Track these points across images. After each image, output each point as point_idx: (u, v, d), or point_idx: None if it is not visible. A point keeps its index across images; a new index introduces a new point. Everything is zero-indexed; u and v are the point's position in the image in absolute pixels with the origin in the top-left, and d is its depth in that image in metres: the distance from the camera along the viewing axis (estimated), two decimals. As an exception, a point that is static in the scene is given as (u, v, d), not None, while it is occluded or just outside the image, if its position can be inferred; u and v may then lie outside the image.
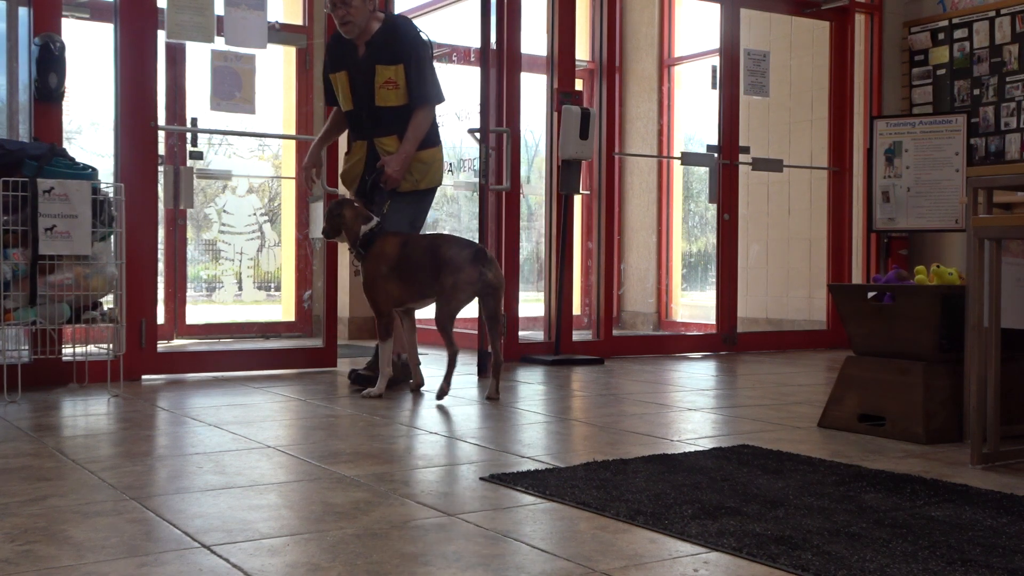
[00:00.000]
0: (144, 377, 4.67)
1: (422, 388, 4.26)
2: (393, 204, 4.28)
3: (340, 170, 4.58)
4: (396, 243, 4.07)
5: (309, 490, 2.44)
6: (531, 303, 6.93)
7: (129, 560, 1.85)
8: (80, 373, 4.39)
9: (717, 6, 6.46)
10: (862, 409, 3.35)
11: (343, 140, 4.78)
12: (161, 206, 5.14)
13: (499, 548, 1.96)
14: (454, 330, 3.98)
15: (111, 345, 4.25)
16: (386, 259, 4.05)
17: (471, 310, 4.47)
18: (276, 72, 7.14)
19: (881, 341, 3.35)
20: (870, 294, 3.39)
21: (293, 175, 7.02)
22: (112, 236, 4.14)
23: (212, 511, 2.22)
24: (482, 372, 4.93)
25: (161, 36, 4.74)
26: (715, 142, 6.44)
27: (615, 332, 6.51)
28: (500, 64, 5.67)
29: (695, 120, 8.20)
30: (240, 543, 1.97)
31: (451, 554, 1.92)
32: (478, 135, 5.23)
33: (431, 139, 4.38)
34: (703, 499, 2.33)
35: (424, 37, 4.40)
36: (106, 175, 4.55)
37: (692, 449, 2.99)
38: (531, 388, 4.51)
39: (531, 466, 2.73)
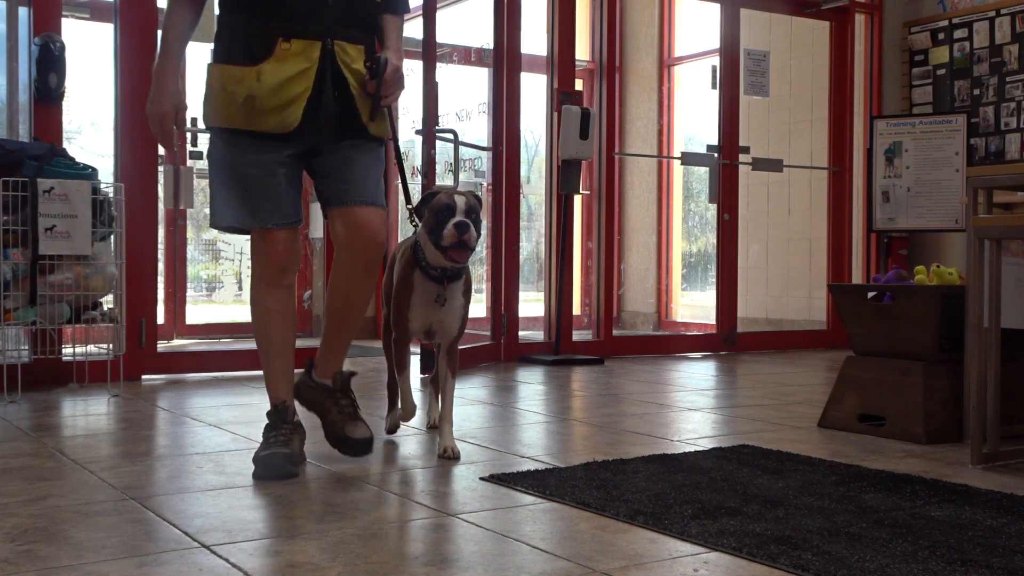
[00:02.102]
0: (144, 377, 4.67)
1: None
2: (359, 153, 2.75)
3: (232, 92, 2.62)
4: None
5: (309, 490, 2.44)
6: (531, 303, 6.93)
7: (129, 560, 1.85)
8: (80, 373, 4.39)
9: (717, 6, 6.46)
10: (862, 409, 3.35)
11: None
12: (161, 206, 5.14)
13: (499, 548, 1.96)
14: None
15: (111, 345, 4.25)
16: None
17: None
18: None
19: (881, 341, 3.35)
20: (870, 294, 3.39)
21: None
22: (112, 236, 4.15)
23: (212, 511, 2.22)
24: (428, 369, 4.71)
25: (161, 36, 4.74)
26: (715, 142, 6.44)
27: (615, 332, 6.51)
28: (500, 64, 5.67)
29: (695, 120, 8.20)
30: (240, 543, 1.97)
31: (451, 554, 1.92)
32: (451, 135, 5.21)
33: None
34: (703, 499, 2.33)
35: None
36: (106, 175, 4.56)
37: (692, 449, 2.99)
38: (531, 388, 4.51)
39: (531, 466, 2.73)
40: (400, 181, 2.90)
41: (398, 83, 2.68)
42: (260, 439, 2.67)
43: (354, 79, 2.67)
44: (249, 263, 2.81)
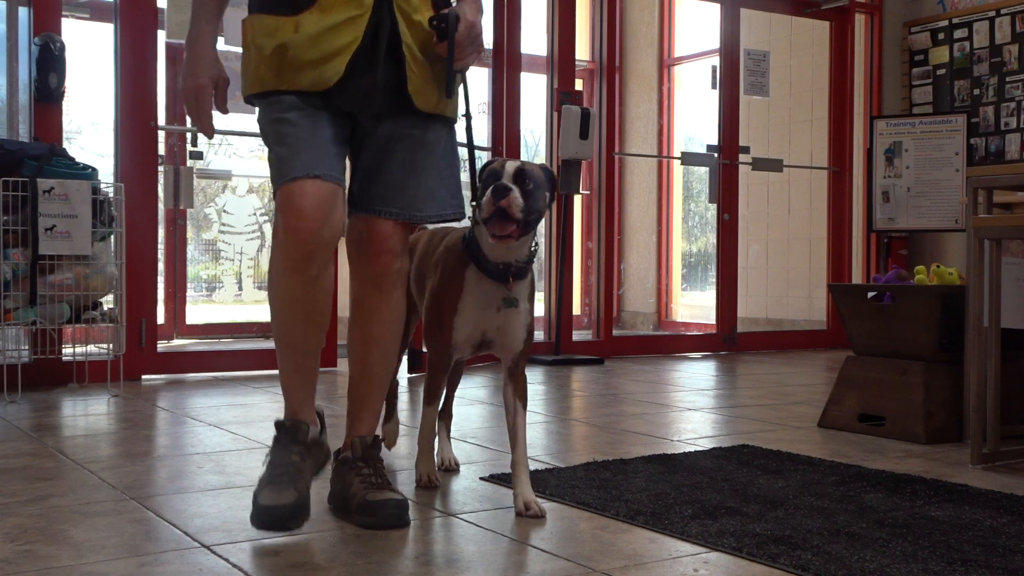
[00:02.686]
0: (144, 377, 4.67)
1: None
2: (406, 144, 2.17)
3: (261, 45, 2.09)
4: None
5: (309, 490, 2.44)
6: (531, 303, 6.92)
7: (129, 560, 1.85)
8: (80, 373, 4.39)
9: (717, 6, 6.46)
10: (862, 409, 3.35)
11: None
12: (161, 206, 5.14)
13: (499, 548, 1.96)
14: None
15: (111, 345, 4.25)
16: None
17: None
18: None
19: (881, 341, 3.35)
20: (870, 294, 3.39)
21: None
22: (112, 236, 4.15)
23: (212, 511, 2.22)
24: (416, 367, 4.70)
25: (161, 36, 4.75)
26: (715, 142, 6.44)
27: (615, 332, 6.50)
28: (500, 64, 5.67)
29: (695, 120, 8.20)
30: (240, 543, 1.97)
31: (451, 554, 1.92)
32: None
33: None
34: (703, 499, 2.33)
35: None
36: (106, 175, 4.56)
37: (692, 449, 2.99)
38: (531, 388, 4.51)
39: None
40: (471, 173, 2.24)
41: (474, 43, 2.14)
42: (260, 439, 2.65)
43: (412, 35, 2.10)
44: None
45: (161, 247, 5.78)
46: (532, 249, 2.25)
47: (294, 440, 2.14)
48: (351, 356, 2.25)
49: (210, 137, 2.19)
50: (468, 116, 2.24)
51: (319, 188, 2.01)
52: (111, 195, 4.13)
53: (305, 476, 2.10)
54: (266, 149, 2.12)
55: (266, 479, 2.05)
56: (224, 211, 7.99)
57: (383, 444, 2.52)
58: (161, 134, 4.79)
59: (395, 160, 2.15)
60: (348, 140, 2.16)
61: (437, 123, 2.18)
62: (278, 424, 2.17)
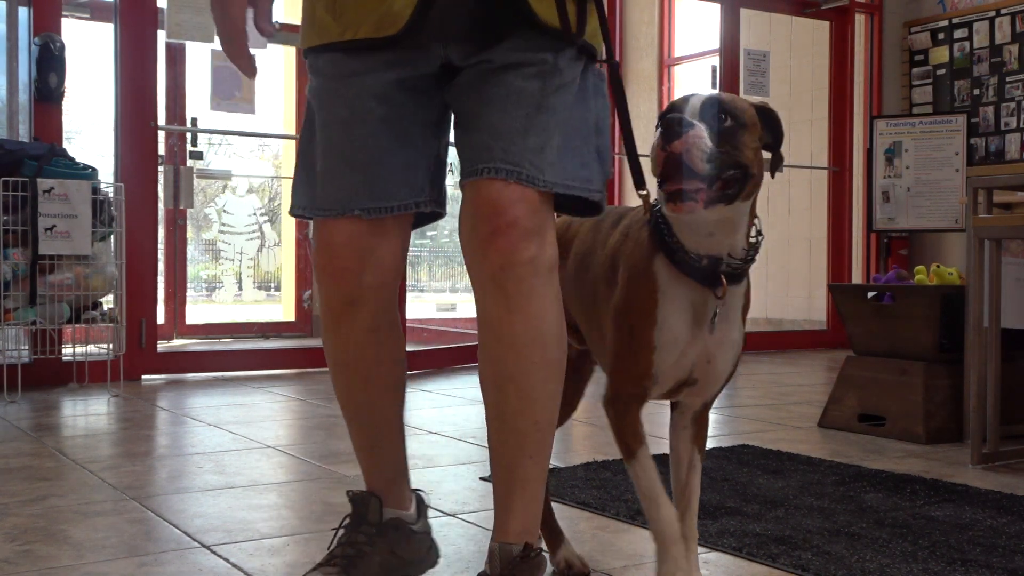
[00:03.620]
0: (144, 377, 4.67)
1: None
2: (524, 78, 1.45)
3: None
4: None
5: (309, 490, 2.44)
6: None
7: (129, 560, 1.85)
8: (80, 373, 4.39)
9: (717, 6, 6.46)
10: (862, 409, 3.35)
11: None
12: (161, 206, 5.14)
13: (499, 548, 1.95)
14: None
15: (111, 345, 4.25)
16: None
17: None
18: (276, 72, 7.16)
19: (881, 341, 3.35)
20: (870, 294, 3.39)
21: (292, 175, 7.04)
22: (112, 236, 4.15)
23: (212, 511, 2.22)
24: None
25: (161, 36, 4.75)
26: (715, 142, 6.44)
27: (615, 332, 6.50)
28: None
29: (695, 120, 8.20)
30: (240, 543, 1.97)
31: (451, 554, 1.91)
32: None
33: None
34: (703, 499, 2.32)
35: None
36: (106, 175, 4.56)
37: (692, 449, 2.99)
38: (531, 388, 4.51)
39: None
40: (625, 143, 1.60)
41: None
42: (260, 439, 2.64)
43: None
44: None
45: (161, 247, 5.78)
46: (755, 236, 1.53)
47: (362, 518, 1.64)
48: (486, 408, 1.60)
49: (251, 77, 1.55)
50: (612, 61, 1.54)
51: (353, 225, 1.50)
52: (111, 195, 4.13)
53: (367, 565, 1.59)
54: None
55: (323, 562, 1.61)
56: (224, 211, 8.00)
57: (552, 561, 1.78)
58: (161, 134, 4.79)
59: (506, 90, 1.44)
60: (424, 116, 1.52)
61: (569, 52, 1.47)
62: (349, 497, 1.70)
